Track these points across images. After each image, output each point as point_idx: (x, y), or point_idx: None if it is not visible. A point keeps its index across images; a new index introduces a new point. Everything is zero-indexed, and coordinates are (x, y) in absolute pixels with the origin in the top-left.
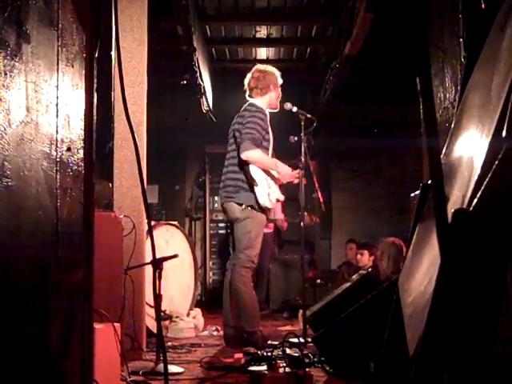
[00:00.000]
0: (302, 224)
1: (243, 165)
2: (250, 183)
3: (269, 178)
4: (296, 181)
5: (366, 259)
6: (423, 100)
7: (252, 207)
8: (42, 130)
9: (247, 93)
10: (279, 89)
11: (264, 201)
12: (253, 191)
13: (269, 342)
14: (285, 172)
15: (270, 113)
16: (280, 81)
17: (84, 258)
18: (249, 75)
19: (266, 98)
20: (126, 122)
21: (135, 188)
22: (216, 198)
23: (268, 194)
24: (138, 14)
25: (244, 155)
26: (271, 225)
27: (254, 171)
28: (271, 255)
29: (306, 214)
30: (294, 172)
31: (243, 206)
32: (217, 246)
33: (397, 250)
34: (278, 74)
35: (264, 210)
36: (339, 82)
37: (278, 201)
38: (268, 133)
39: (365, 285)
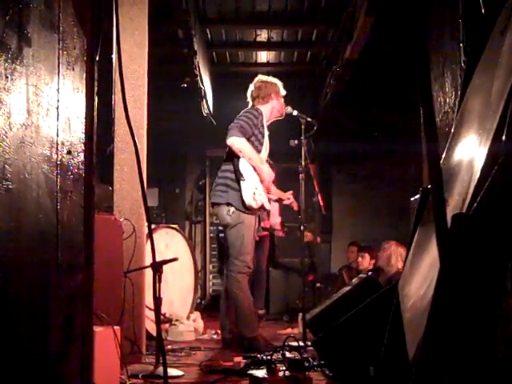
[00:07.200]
0: (301, 227)
1: (233, 159)
2: (238, 180)
3: (257, 180)
4: (288, 202)
5: (366, 262)
6: (423, 104)
7: (239, 210)
8: (42, 133)
9: (250, 104)
10: (282, 99)
11: (249, 199)
12: (239, 189)
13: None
14: (266, 173)
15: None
16: (283, 92)
17: (84, 261)
18: (251, 86)
19: (268, 106)
20: (126, 125)
21: (135, 191)
22: None
23: (254, 193)
24: (138, 17)
25: (229, 140)
26: (267, 223)
27: (244, 166)
28: (267, 258)
29: (307, 232)
30: (287, 193)
31: (231, 210)
32: (217, 249)
33: (403, 250)
34: (280, 84)
35: (252, 211)
36: (340, 85)
37: (262, 207)
38: (263, 136)
39: (365, 288)
